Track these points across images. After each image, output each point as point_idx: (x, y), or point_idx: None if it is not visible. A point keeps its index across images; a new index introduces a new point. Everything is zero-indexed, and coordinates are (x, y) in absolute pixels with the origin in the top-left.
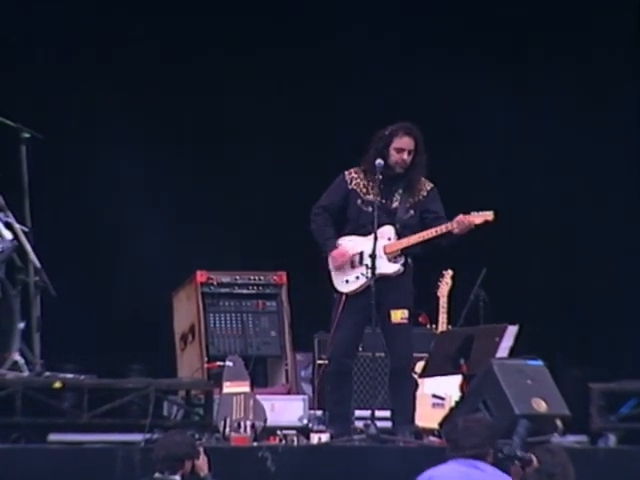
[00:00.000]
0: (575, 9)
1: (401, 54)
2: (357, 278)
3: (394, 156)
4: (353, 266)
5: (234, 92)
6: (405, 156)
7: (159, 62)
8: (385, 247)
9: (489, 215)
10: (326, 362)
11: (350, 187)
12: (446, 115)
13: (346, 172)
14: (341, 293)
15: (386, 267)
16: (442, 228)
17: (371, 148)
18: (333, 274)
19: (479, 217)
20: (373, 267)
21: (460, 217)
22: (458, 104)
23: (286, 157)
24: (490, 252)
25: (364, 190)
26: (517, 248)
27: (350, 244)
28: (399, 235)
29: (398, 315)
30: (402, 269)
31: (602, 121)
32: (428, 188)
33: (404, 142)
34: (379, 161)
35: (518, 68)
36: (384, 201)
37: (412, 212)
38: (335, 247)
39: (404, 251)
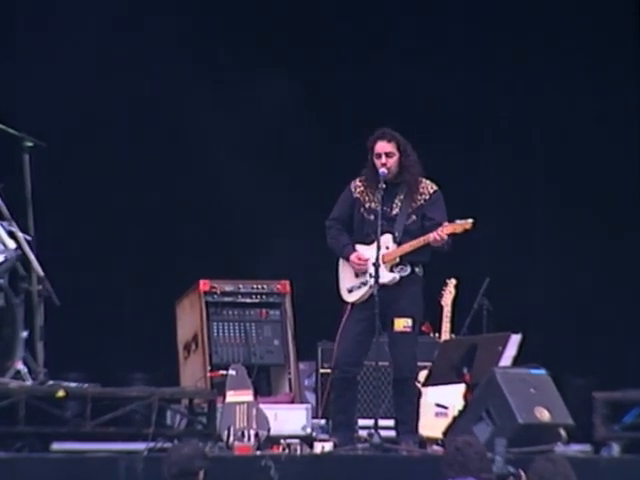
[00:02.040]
0: None
1: None
2: (359, 287)
3: (377, 163)
4: (357, 275)
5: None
6: (384, 159)
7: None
8: (384, 256)
9: (467, 224)
10: (329, 371)
11: (355, 196)
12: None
13: (352, 182)
14: (346, 302)
15: (384, 276)
16: (420, 241)
17: (366, 158)
18: (340, 283)
19: (459, 226)
20: (376, 276)
21: (434, 234)
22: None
23: (290, 161)
24: (493, 261)
25: (367, 198)
26: (520, 257)
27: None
28: (399, 242)
29: (401, 323)
30: (398, 278)
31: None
32: (431, 191)
33: (379, 147)
34: (382, 170)
35: None
36: (385, 208)
37: (414, 217)
38: (352, 252)
39: (405, 259)
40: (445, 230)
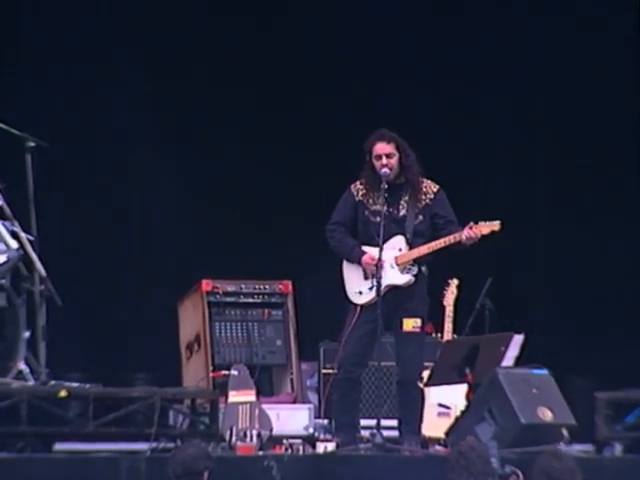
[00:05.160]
0: None
1: None
2: (370, 290)
3: (377, 165)
4: (366, 277)
5: (243, 98)
6: (384, 161)
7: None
8: (397, 258)
9: (495, 225)
10: (332, 371)
11: (357, 199)
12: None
13: (352, 186)
14: (355, 304)
15: (398, 278)
16: (450, 239)
17: (365, 161)
18: (347, 285)
19: (486, 227)
20: (379, 276)
21: (468, 231)
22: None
23: (291, 162)
24: (495, 261)
25: (370, 201)
26: (522, 257)
27: None
28: (410, 244)
29: (410, 324)
30: (413, 279)
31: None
32: (434, 190)
33: (378, 148)
34: (384, 170)
35: None
36: (391, 210)
37: (421, 217)
38: (362, 253)
39: (416, 260)
40: (484, 230)
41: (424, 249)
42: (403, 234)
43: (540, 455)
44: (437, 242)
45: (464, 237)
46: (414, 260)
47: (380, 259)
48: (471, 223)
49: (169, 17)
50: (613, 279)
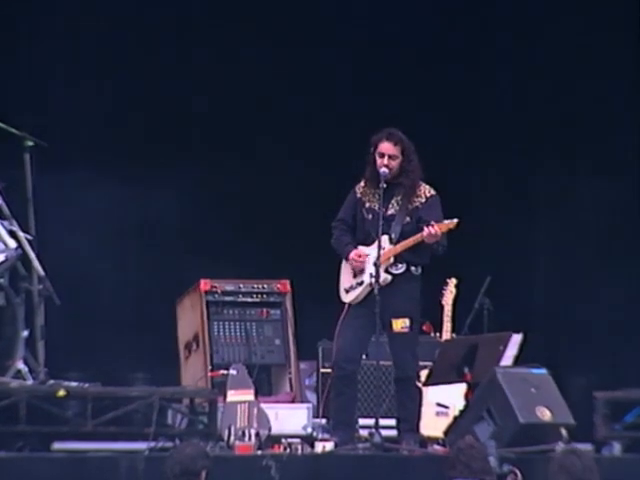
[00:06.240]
0: None
1: None
2: (355, 287)
3: (378, 161)
4: (354, 275)
5: (236, 98)
6: (386, 161)
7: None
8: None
9: (452, 223)
10: (330, 371)
11: (358, 196)
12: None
13: (357, 184)
14: (344, 303)
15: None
16: (418, 237)
17: (367, 157)
18: (340, 284)
19: (444, 225)
20: (377, 275)
21: (427, 229)
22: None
23: (290, 161)
24: (494, 260)
25: (367, 198)
26: (521, 256)
27: None
28: (395, 244)
29: (398, 324)
30: (390, 278)
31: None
32: (428, 195)
33: (384, 147)
34: (384, 170)
35: None
36: (383, 208)
37: (408, 219)
38: (352, 250)
39: (402, 259)
40: (436, 227)
41: (398, 247)
42: (388, 233)
43: (559, 453)
44: (406, 242)
45: (425, 235)
46: (405, 261)
47: (379, 257)
48: (432, 222)
49: None
50: (613, 279)
